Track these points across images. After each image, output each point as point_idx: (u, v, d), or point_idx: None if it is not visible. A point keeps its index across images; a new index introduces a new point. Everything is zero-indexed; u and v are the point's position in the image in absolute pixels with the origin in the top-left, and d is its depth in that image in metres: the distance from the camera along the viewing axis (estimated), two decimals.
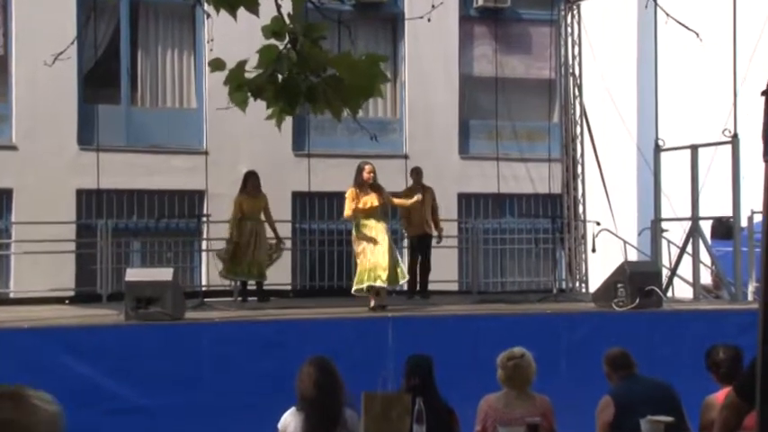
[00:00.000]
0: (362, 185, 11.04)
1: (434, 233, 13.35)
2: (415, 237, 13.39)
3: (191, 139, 16.19)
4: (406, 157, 16.58)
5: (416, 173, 13.53)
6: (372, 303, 10.96)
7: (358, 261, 11.04)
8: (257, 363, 9.67)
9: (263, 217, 12.75)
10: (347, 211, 11.05)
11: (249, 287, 13.02)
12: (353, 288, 11.00)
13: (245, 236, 12.50)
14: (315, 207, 16.62)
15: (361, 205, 11.00)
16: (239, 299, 12.91)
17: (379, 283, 10.81)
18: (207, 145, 16.17)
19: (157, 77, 16.44)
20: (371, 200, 11.01)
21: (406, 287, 12.71)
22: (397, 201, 11.83)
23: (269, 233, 12.75)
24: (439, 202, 13.77)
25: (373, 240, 10.89)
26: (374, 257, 10.84)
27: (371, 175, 11.09)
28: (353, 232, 11.13)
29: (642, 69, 17.09)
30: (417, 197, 11.68)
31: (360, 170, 11.13)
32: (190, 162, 16.00)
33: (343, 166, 15.05)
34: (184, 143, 16.18)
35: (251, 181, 12.66)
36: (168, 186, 15.93)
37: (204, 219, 14.39)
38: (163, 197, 16.00)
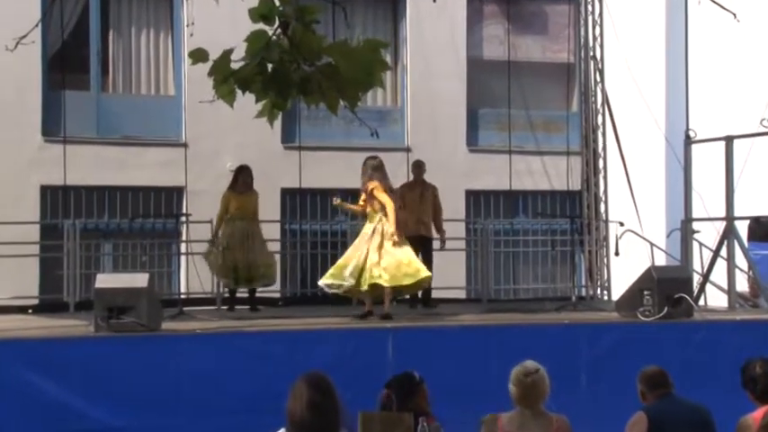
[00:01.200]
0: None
1: (434, 236, 13.38)
2: (411, 239, 13.26)
3: (168, 130, 16.22)
4: (407, 149, 16.63)
5: (417, 167, 13.54)
6: (366, 309, 11.17)
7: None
8: (243, 379, 9.68)
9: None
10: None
11: (237, 294, 13.05)
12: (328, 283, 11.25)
13: (236, 237, 12.50)
14: (306, 205, 16.62)
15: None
16: (225, 308, 12.92)
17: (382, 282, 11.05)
18: (186, 136, 16.19)
19: (131, 61, 16.46)
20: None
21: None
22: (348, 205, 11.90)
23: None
24: (445, 201, 13.80)
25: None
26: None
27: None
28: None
29: (671, 52, 17.09)
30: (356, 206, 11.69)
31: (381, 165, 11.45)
32: (167, 155, 16.02)
33: (337, 159, 15.12)
34: (161, 134, 16.20)
35: (242, 176, 12.71)
36: (143, 182, 15.94)
37: (183, 218, 14.38)
38: (137, 194, 16.01)
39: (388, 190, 11.42)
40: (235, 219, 12.60)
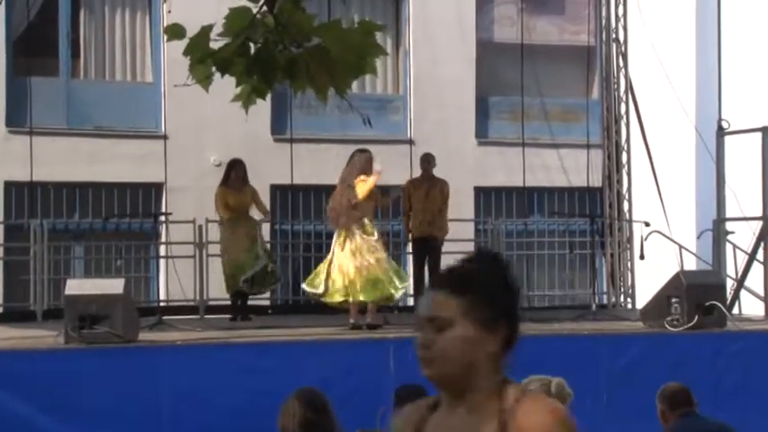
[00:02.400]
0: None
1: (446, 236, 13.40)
2: (418, 240, 13.42)
3: (146, 120, 16.22)
4: (410, 142, 16.61)
5: (427, 161, 13.51)
6: (352, 319, 11.24)
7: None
8: (229, 396, 9.69)
9: (255, 215, 12.97)
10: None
11: (219, 302, 13.14)
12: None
13: (240, 238, 12.68)
14: (299, 203, 16.61)
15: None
16: (238, 317, 12.95)
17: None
18: (166, 127, 16.18)
19: (104, 45, 16.44)
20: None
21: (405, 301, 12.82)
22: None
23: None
24: (451, 198, 13.69)
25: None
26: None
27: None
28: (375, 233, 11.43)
29: (702, 34, 17.06)
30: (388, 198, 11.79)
31: (369, 160, 11.58)
32: (145, 148, 16.01)
33: (333, 152, 15.06)
34: (138, 125, 16.21)
35: (235, 171, 12.84)
36: (118, 178, 15.92)
37: (162, 218, 14.37)
38: (111, 191, 16.00)
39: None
40: (234, 218, 12.75)
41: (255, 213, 13.12)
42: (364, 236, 11.35)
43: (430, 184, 13.34)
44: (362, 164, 11.55)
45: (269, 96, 14.88)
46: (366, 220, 11.43)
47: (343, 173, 11.74)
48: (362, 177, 11.44)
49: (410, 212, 13.30)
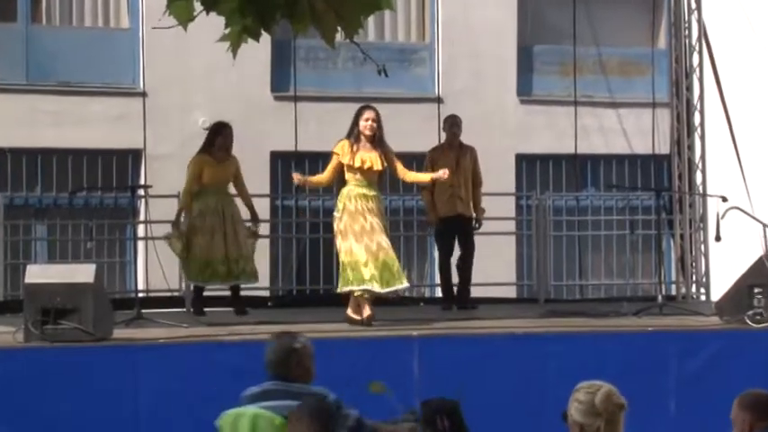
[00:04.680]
0: (358, 139, 11.40)
1: (473, 214, 13.43)
2: (445, 220, 13.39)
3: (121, 75, 16.28)
4: (438, 100, 16.61)
5: (453, 125, 13.44)
6: (366, 313, 11.23)
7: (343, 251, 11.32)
8: (221, 405, 9.60)
9: (232, 190, 12.78)
10: (323, 176, 11.53)
11: (212, 292, 13.06)
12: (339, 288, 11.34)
13: (209, 218, 12.49)
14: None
15: (357, 164, 11.29)
16: (191, 310, 12.93)
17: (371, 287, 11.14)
18: (144, 83, 16.20)
19: None
20: (372, 160, 11.36)
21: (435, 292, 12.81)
22: (410, 175, 11.88)
23: (243, 211, 12.79)
24: (487, 168, 13.71)
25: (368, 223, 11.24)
26: (363, 249, 11.17)
27: (372, 124, 11.42)
28: (338, 209, 11.40)
29: None
30: (442, 173, 11.68)
31: (356, 117, 11.51)
32: (120, 108, 16.07)
33: (345, 113, 14.96)
34: (112, 80, 16.26)
35: (221, 137, 12.61)
36: (88, 144, 15.97)
37: (141, 192, 14.34)
38: (80, 159, 16.07)
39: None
40: (208, 193, 12.51)
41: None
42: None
43: (459, 152, 13.31)
44: (352, 124, 11.46)
45: (268, 46, 14.95)
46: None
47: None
48: (341, 145, 11.37)
49: (434, 187, 13.21)
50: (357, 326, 11.15)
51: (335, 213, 11.41)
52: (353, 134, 11.40)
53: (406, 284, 11.34)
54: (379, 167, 11.40)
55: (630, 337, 10.99)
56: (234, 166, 12.70)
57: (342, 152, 11.33)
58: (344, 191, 11.36)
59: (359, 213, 11.23)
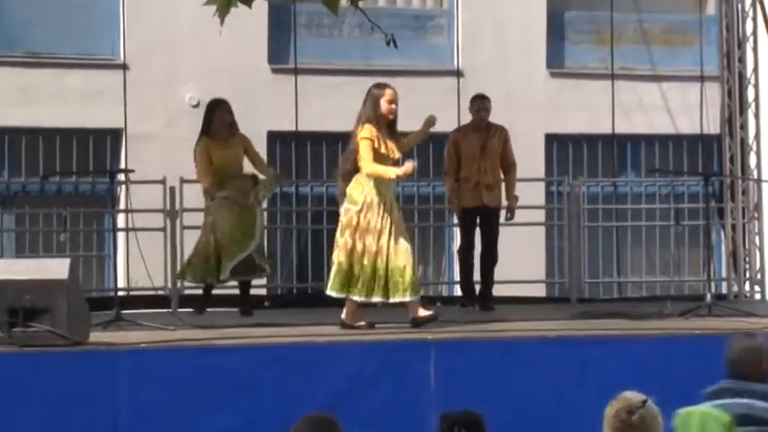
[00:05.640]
0: (380, 123, 11.21)
1: (503, 204, 13.44)
2: (468, 211, 13.42)
3: (98, 44, 16.32)
4: (458, 73, 16.70)
5: (479, 108, 13.37)
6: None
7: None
8: (214, 417, 9.81)
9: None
10: (370, 166, 11.13)
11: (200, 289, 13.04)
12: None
13: (234, 211, 12.58)
14: (306, 157, 16.73)
15: (383, 151, 11.19)
16: (190, 310, 13.02)
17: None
18: (125, 53, 16.22)
19: None
20: (395, 148, 11.33)
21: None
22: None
23: None
24: (515, 150, 13.64)
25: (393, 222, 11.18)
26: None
27: (394, 107, 11.30)
28: (354, 201, 11.26)
29: None
30: (409, 166, 11.38)
31: (376, 98, 11.31)
32: (97, 82, 16.12)
33: (352, 88, 14.88)
34: (88, 50, 16.29)
35: (219, 114, 12.71)
36: (61, 122, 16.02)
37: (122, 177, 14.45)
38: (52, 140, 16.10)
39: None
40: (221, 181, 12.59)
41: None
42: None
43: (486, 134, 13.28)
44: (373, 107, 11.22)
45: (265, 12, 14.90)
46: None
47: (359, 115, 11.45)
48: (370, 130, 11.13)
49: (458, 173, 13.28)
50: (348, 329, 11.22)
51: (350, 206, 11.21)
52: (375, 117, 11.21)
53: (408, 299, 11.16)
54: (399, 156, 11.34)
55: (675, 341, 11.07)
56: (241, 144, 12.87)
57: (373, 137, 11.15)
58: (365, 181, 11.15)
59: (385, 209, 11.11)
